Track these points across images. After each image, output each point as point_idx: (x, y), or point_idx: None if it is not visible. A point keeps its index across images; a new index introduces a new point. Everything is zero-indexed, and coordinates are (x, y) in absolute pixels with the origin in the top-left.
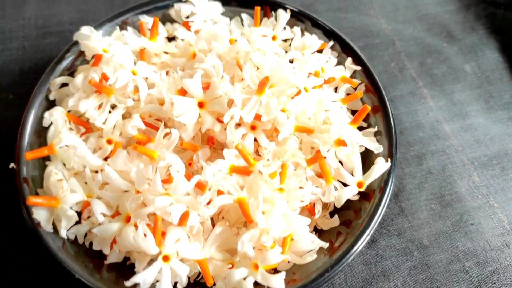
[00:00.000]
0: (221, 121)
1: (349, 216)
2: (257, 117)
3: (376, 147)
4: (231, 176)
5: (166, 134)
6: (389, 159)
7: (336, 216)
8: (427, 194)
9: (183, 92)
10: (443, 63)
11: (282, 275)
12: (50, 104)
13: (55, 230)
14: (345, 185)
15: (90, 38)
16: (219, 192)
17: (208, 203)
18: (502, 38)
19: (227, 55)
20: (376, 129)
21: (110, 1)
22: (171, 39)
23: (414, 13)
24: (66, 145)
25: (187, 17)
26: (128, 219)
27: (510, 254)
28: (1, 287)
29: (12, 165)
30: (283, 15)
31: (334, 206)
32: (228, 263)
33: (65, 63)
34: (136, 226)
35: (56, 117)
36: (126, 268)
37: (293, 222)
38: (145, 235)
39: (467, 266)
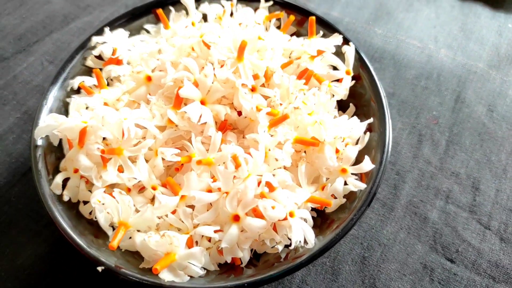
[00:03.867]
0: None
1: (353, 102)
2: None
3: (339, 39)
4: (279, 129)
5: None
6: (350, 43)
7: (351, 104)
8: None
9: (178, 104)
10: None
11: (367, 159)
12: (67, 206)
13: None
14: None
15: (61, 121)
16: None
17: None
18: None
19: (178, 58)
20: (321, 33)
21: None
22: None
23: None
24: None
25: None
26: (236, 218)
27: (435, 59)
28: None
29: (99, 268)
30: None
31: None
32: (322, 188)
33: (42, 166)
34: (248, 214)
35: (107, 197)
36: (254, 260)
37: (341, 122)
38: (273, 207)
39: (423, 85)
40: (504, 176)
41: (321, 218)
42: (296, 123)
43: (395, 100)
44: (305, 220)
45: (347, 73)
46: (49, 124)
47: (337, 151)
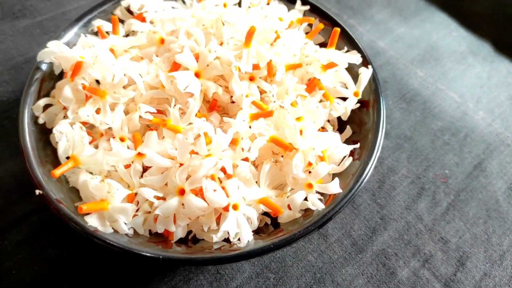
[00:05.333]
0: (219, 85)
1: (354, 128)
2: (252, 68)
3: (357, 58)
4: (258, 121)
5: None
6: (369, 66)
7: (348, 127)
8: (392, 98)
9: (175, 69)
10: None
11: (336, 180)
12: (41, 130)
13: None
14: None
15: (61, 50)
16: (250, 139)
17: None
18: None
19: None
20: (345, 49)
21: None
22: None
23: None
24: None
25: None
26: (181, 192)
27: (470, 118)
28: None
29: (38, 191)
30: None
31: (338, 124)
32: (282, 196)
33: (35, 88)
34: (193, 192)
35: (68, 128)
36: (189, 242)
37: (325, 138)
38: (214, 190)
39: (446, 139)
40: (499, 263)
41: (273, 228)
42: (279, 123)
43: (409, 145)
44: (251, 221)
45: (355, 94)
46: (51, 50)
47: (309, 164)
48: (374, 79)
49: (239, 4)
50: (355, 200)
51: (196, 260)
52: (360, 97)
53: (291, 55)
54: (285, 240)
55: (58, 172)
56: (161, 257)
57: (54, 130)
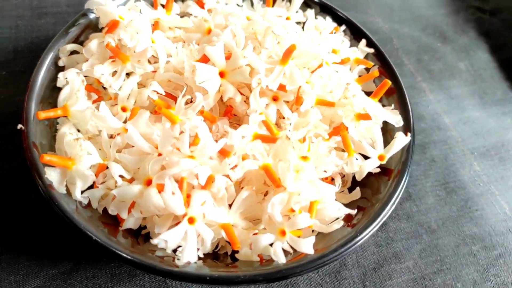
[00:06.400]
0: (241, 93)
1: (367, 194)
2: (280, 88)
3: (397, 120)
4: (255, 142)
5: (187, 101)
6: (408, 133)
7: (357, 188)
8: (432, 181)
9: (203, 61)
10: (439, 60)
11: (312, 239)
12: (58, 71)
13: (68, 193)
14: (365, 159)
15: (106, 4)
16: (244, 158)
17: (234, 167)
18: (490, 40)
19: (244, 31)
20: (392, 107)
21: None
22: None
23: (408, 14)
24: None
25: None
26: (148, 182)
27: None
28: (11, 252)
29: (20, 126)
30: None
31: (352, 183)
32: (249, 230)
33: (73, 32)
34: (159, 187)
35: (72, 77)
36: (140, 237)
37: (320, 188)
38: (173, 193)
39: (474, 250)
40: None
41: (231, 260)
42: (280, 153)
43: (429, 238)
44: (203, 242)
45: (380, 157)
46: (98, 0)
47: (292, 210)
48: (408, 149)
49: (304, 24)
50: (341, 271)
51: (122, 257)
52: (384, 162)
53: (327, 91)
54: (223, 278)
55: (43, 114)
56: (94, 238)
57: (59, 74)
